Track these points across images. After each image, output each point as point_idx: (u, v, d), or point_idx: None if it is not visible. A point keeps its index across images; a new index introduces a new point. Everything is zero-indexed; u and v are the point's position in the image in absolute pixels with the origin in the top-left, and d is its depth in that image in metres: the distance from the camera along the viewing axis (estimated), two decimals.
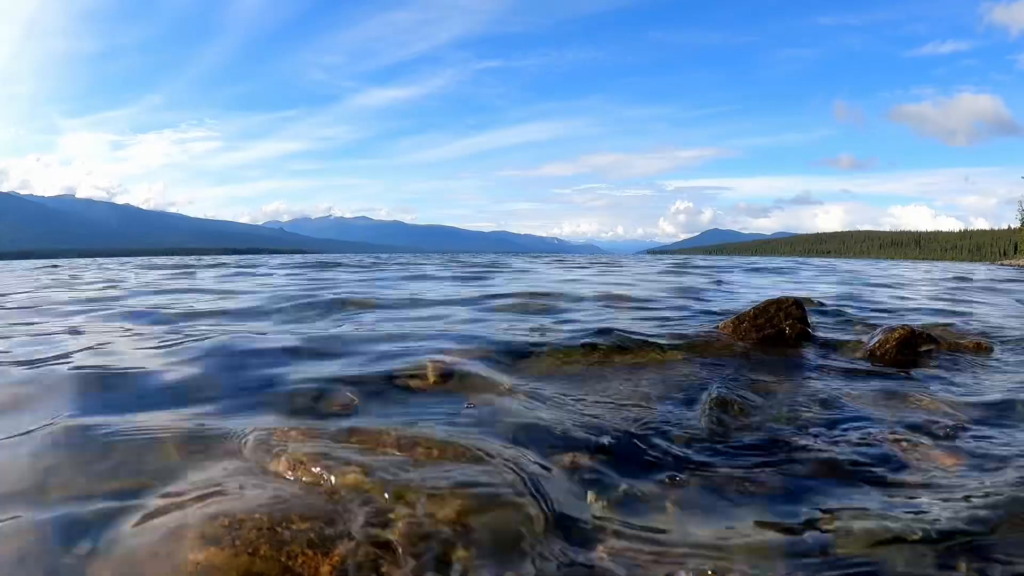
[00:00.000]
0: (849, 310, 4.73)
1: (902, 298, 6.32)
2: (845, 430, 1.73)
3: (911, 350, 2.87)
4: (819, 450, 1.57)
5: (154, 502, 1.14)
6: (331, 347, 2.68)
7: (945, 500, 1.29)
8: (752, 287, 7.84)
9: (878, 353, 2.86)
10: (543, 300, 5.01)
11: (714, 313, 4.28)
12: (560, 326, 3.46)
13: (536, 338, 2.98)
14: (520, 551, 1.03)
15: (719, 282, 8.33)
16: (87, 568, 0.96)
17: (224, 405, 1.80)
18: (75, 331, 3.30)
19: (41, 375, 2.13)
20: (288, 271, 11.51)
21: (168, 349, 2.62)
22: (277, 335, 3.02)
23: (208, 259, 26.36)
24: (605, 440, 1.56)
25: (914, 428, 1.76)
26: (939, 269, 20.42)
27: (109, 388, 1.97)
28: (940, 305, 5.60)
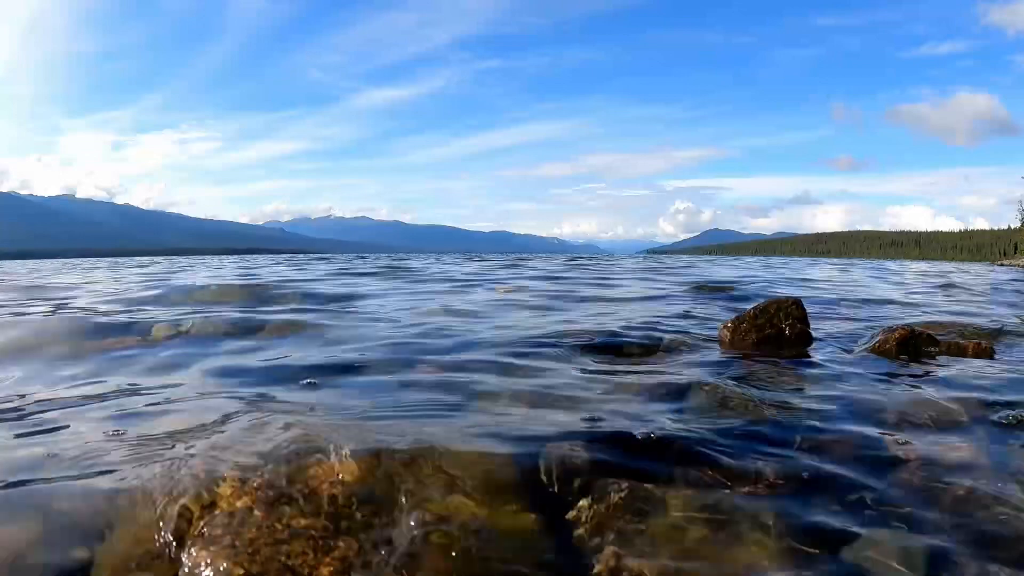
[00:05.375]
0: (852, 309, 4.73)
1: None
2: (844, 428, 1.73)
3: (911, 350, 2.87)
4: (819, 448, 1.57)
5: None
6: None
7: (944, 497, 1.29)
8: None
9: (879, 352, 2.86)
10: None
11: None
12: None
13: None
14: None
15: None
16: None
17: None
18: None
19: None
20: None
21: None
22: None
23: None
24: (605, 433, 1.56)
25: (913, 426, 1.76)
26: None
27: None
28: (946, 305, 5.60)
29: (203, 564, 0.93)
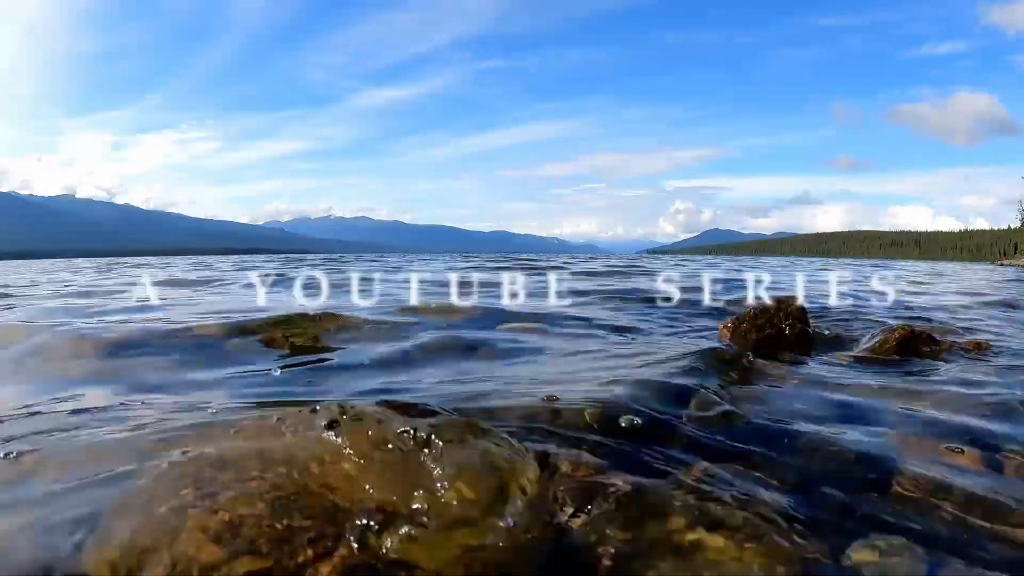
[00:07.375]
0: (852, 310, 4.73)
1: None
2: (841, 429, 1.73)
3: (911, 350, 2.87)
4: (819, 446, 1.57)
5: None
6: None
7: (944, 503, 1.29)
8: None
9: (878, 353, 2.86)
10: None
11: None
12: None
13: None
14: None
15: None
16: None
17: None
18: None
19: None
20: None
21: None
22: None
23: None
24: (603, 437, 1.56)
25: (910, 427, 1.76)
26: None
27: None
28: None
29: None
